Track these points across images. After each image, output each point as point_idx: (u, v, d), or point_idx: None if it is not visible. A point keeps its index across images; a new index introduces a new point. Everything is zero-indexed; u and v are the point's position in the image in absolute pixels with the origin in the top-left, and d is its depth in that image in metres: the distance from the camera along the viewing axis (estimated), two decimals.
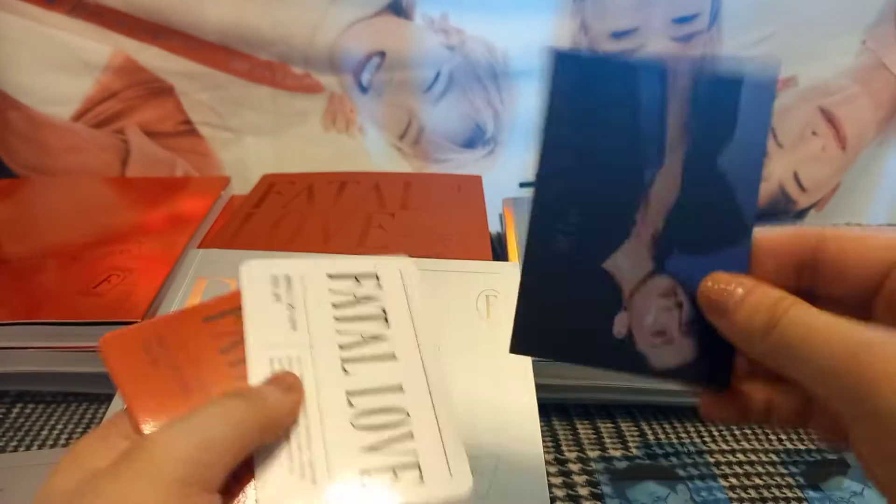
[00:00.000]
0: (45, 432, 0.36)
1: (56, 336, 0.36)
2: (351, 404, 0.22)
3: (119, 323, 0.36)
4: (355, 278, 0.25)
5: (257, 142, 0.59)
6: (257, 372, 0.22)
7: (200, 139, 0.58)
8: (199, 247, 0.41)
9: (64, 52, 0.53)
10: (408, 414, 0.22)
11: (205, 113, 0.57)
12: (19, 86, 0.54)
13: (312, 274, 0.25)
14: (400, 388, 0.23)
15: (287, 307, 0.24)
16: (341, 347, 0.23)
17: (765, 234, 0.21)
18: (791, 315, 0.18)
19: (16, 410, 0.38)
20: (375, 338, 0.24)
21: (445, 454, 0.22)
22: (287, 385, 0.22)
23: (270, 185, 0.51)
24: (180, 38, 0.54)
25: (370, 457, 0.21)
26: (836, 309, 0.18)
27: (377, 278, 0.25)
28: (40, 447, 0.35)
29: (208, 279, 0.37)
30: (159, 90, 0.56)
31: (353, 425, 0.22)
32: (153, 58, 0.55)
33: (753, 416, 0.21)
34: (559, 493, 0.32)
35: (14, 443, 0.35)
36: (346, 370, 0.23)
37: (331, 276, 0.25)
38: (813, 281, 0.20)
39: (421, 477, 0.21)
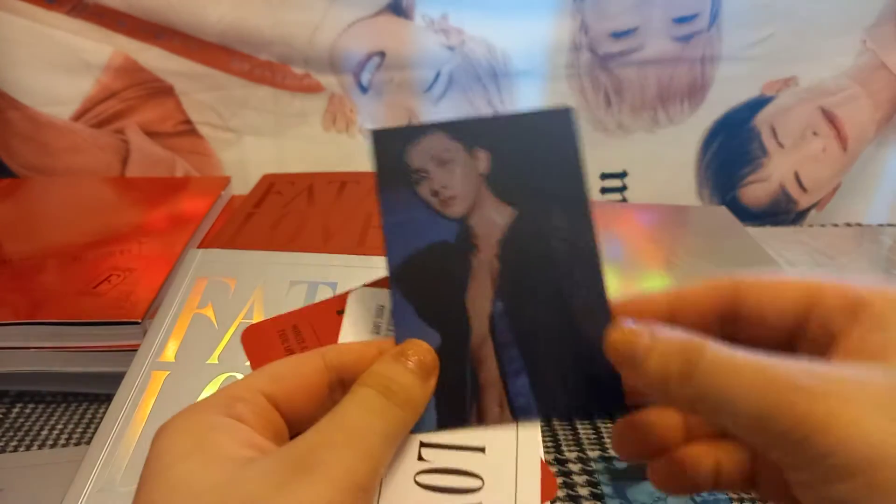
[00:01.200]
0: (45, 432, 0.36)
1: (56, 336, 0.36)
2: (421, 457, 0.20)
3: (119, 323, 0.36)
4: None
5: (257, 142, 0.59)
6: None
7: (200, 139, 0.58)
8: (199, 247, 0.41)
9: (64, 52, 0.53)
10: (483, 482, 0.20)
11: (205, 113, 0.57)
12: (19, 86, 0.54)
13: None
14: (482, 450, 0.20)
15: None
16: None
17: (684, 289, 0.20)
18: (708, 357, 0.17)
19: (16, 410, 0.38)
20: None
21: None
22: (427, 370, 0.19)
23: (270, 185, 0.51)
24: (180, 39, 0.54)
25: None
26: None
27: None
28: (40, 447, 0.35)
29: (208, 279, 0.37)
30: (159, 90, 0.56)
31: (416, 481, 0.19)
32: (153, 58, 0.55)
33: (704, 481, 0.20)
34: (559, 493, 0.32)
35: (14, 443, 0.35)
36: None
37: None
38: (734, 329, 0.20)
39: None
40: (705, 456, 0.20)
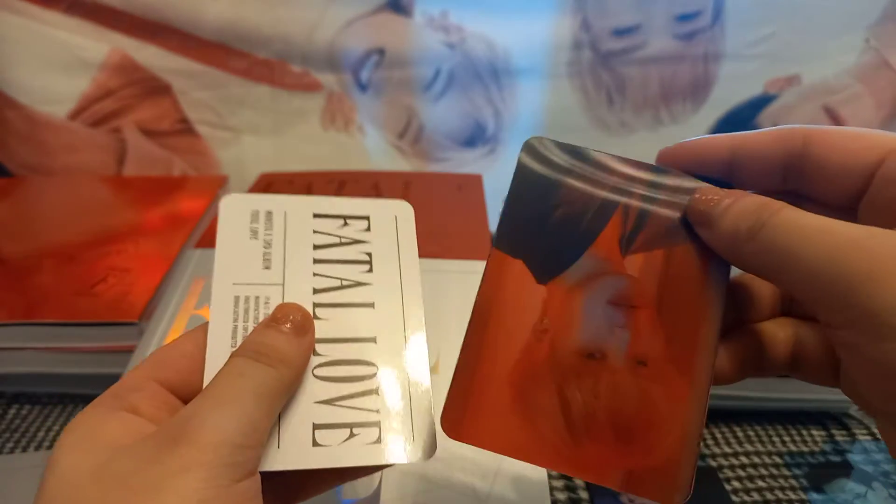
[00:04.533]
0: (41, 434, 0.36)
1: (53, 337, 0.36)
2: (316, 352, 0.21)
3: (116, 324, 0.35)
4: (344, 220, 0.23)
5: (255, 140, 0.59)
6: (220, 310, 0.20)
7: (198, 138, 0.58)
8: (197, 246, 0.40)
9: (61, 50, 0.53)
10: (377, 369, 0.21)
11: (202, 111, 0.57)
12: (16, 84, 0.54)
13: (297, 211, 0.23)
14: (373, 340, 0.21)
15: (263, 244, 0.22)
16: (315, 291, 0.22)
17: (750, 137, 0.20)
18: (780, 216, 0.17)
19: (12, 412, 0.37)
20: (355, 284, 0.22)
21: (411, 417, 0.20)
22: (301, 328, 0.20)
23: (268, 184, 0.50)
24: (178, 37, 0.54)
25: (327, 410, 0.20)
26: (824, 213, 0.17)
27: (368, 221, 0.23)
28: (37, 449, 0.35)
29: (206, 279, 0.36)
30: (157, 88, 0.55)
31: (314, 374, 0.20)
32: (150, 56, 0.54)
33: (779, 360, 0.21)
34: (560, 496, 0.32)
35: (10, 444, 0.35)
36: (317, 315, 0.21)
37: (317, 216, 0.23)
38: (799, 183, 0.20)
39: (379, 438, 0.20)
40: (782, 330, 0.21)
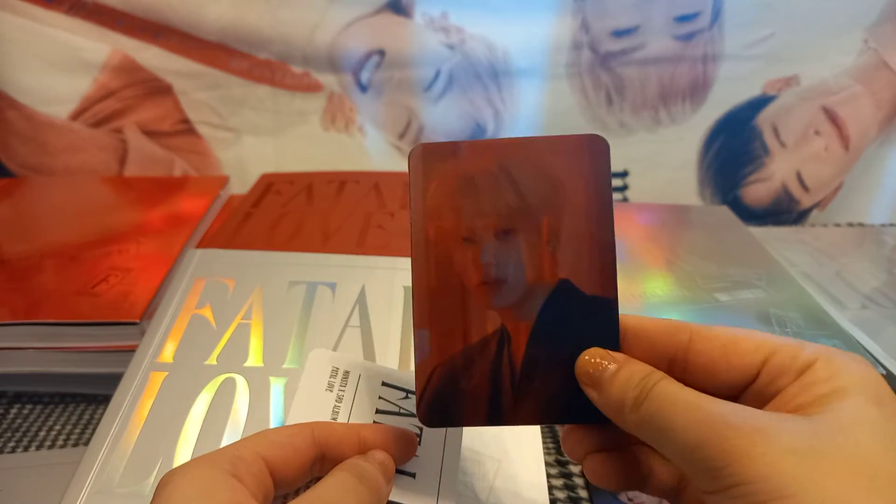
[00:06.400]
0: (42, 433, 0.36)
1: (54, 336, 0.36)
2: None
3: (117, 324, 0.36)
4: (406, 393, 0.27)
5: (256, 141, 0.59)
6: None
7: (199, 138, 0.58)
8: (198, 247, 0.41)
9: (62, 51, 0.53)
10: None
11: (203, 112, 0.57)
12: (17, 85, 0.54)
13: (370, 376, 0.27)
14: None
15: (336, 398, 0.26)
16: None
17: (642, 323, 0.22)
18: (659, 389, 0.19)
19: (13, 411, 0.38)
20: None
21: None
22: (389, 475, 0.23)
23: (269, 185, 0.50)
24: (179, 37, 0.54)
25: None
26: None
27: None
28: (38, 448, 0.35)
29: (207, 279, 0.37)
30: (158, 89, 0.56)
31: None
32: (152, 57, 0.54)
33: (635, 480, 0.22)
34: (560, 494, 0.32)
35: (12, 444, 0.35)
36: None
37: (385, 384, 0.27)
38: (682, 374, 0.21)
39: None
40: (643, 457, 0.23)
